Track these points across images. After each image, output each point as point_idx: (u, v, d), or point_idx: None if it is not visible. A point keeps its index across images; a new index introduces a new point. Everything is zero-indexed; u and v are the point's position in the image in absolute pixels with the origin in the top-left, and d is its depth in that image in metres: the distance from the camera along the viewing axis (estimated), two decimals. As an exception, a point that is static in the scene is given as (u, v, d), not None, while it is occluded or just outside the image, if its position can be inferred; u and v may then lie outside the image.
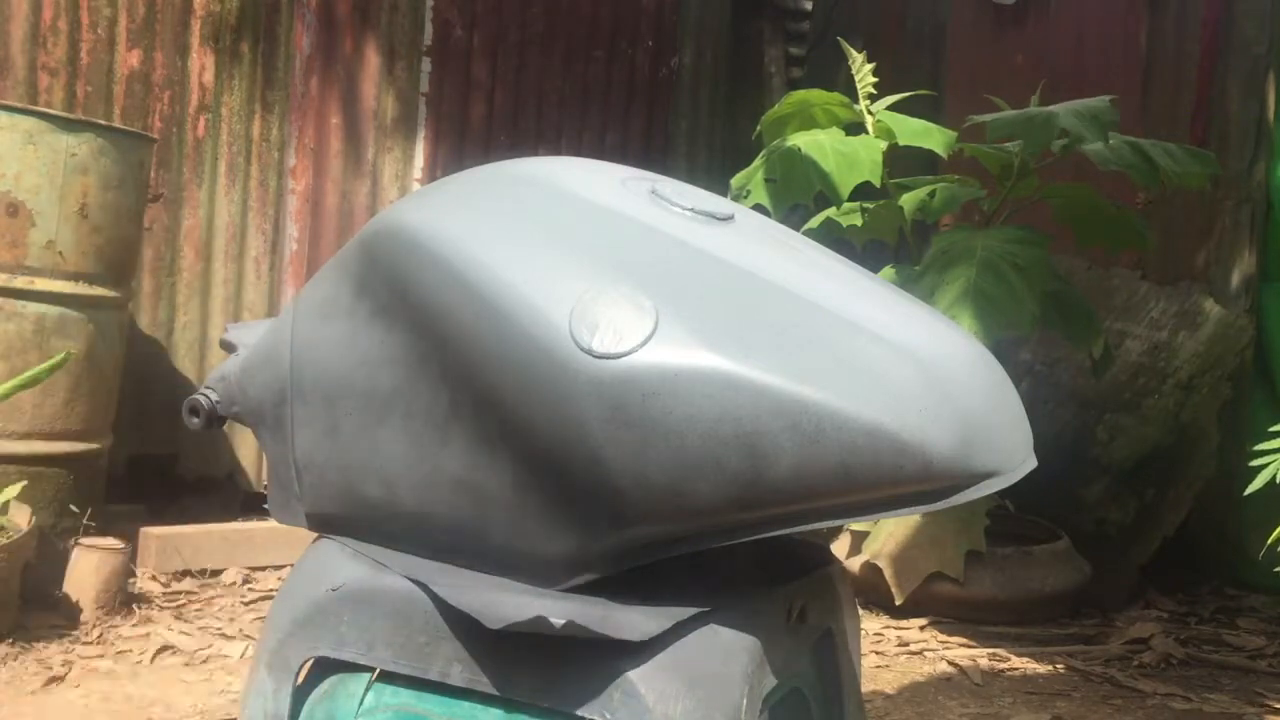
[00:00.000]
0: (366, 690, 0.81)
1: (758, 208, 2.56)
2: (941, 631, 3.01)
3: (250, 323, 1.01)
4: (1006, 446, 0.79)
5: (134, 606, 2.76)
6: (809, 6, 4.89)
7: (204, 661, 2.52)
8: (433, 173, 3.91)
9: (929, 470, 0.74)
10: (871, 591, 3.08)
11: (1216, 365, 3.50)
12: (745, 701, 0.76)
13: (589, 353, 0.74)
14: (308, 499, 0.92)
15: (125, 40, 3.43)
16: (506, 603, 0.77)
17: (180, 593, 2.96)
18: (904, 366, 0.76)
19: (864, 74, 2.93)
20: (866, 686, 2.57)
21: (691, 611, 0.77)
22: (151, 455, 3.49)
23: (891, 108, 2.96)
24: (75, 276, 2.90)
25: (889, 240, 3.21)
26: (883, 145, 2.81)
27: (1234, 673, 2.83)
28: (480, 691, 0.77)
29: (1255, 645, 3.02)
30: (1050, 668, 2.80)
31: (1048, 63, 4.04)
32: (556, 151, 4.15)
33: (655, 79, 4.43)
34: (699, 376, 0.73)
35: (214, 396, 0.96)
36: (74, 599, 2.66)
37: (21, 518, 2.60)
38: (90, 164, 2.87)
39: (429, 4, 3.91)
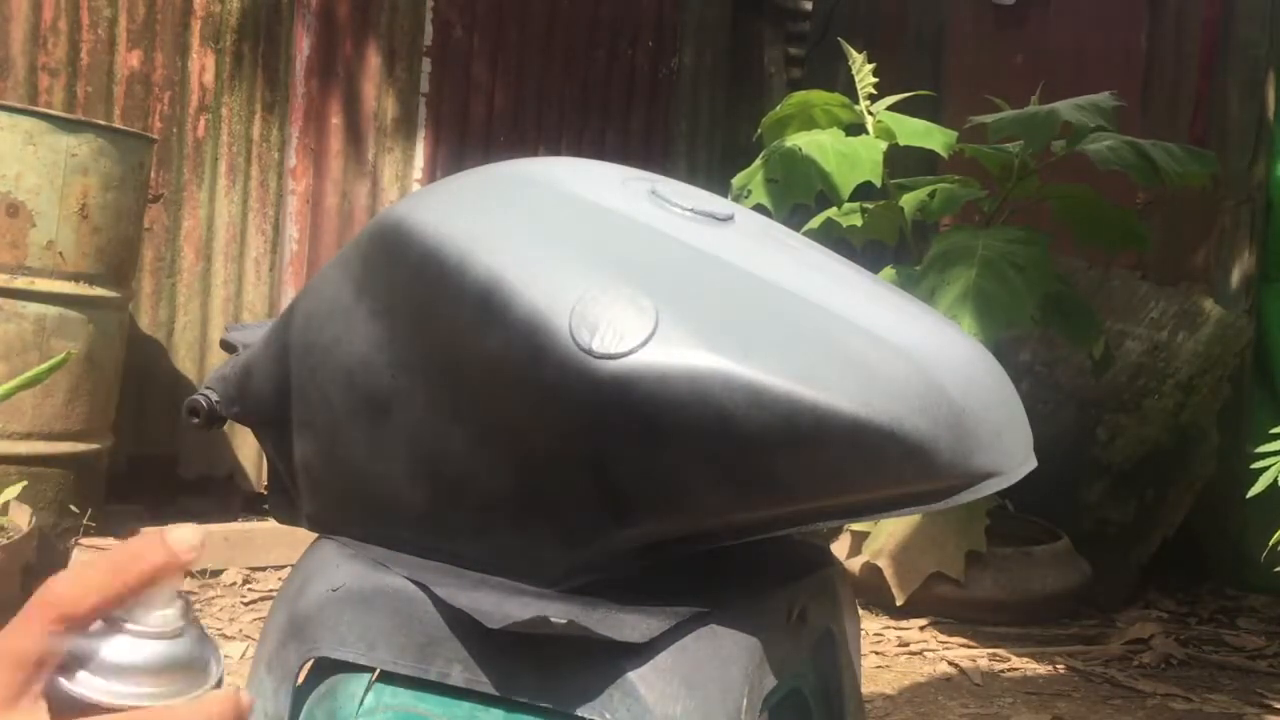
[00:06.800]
0: (367, 690, 0.81)
1: (758, 208, 2.56)
2: (941, 632, 3.01)
3: (250, 323, 1.01)
4: (1007, 447, 0.79)
5: (134, 607, 2.76)
6: (809, 7, 4.89)
7: (204, 662, 2.52)
8: (433, 173, 3.91)
9: (929, 471, 0.74)
10: (871, 591, 3.08)
11: (1216, 365, 3.50)
12: (745, 702, 0.76)
13: (589, 353, 0.74)
14: (308, 499, 0.92)
15: (125, 41, 3.43)
16: (507, 603, 0.77)
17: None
18: (904, 367, 0.76)
19: (864, 74, 2.93)
20: (866, 687, 2.57)
21: (691, 612, 0.77)
22: (151, 455, 3.49)
23: (891, 108, 2.96)
24: (75, 277, 2.90)
25: (889, 241, 3.21)
26: (883, 145, 2.81)
27: (1234, 673, 2.83)
28: (480, 692, 0.77)
29: (1255, 645, 3.02)
30: (1050, 668, 2.80)
31: (1048, 63, 4.04)
32: (556, 151, 4.15)
33: (655, 79, 4.43)
34: (699, 377, 0.73)
35: (214, 397, 0.96)
36: (74, 599, 2.66)
37: (22, 518, 2.60)
38: (90, 164, 2.87)
39: (429, 5, 3.91)
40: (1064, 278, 3.05)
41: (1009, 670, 2.77)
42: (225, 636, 2.67)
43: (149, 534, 0.48)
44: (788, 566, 0.90)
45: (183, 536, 0.47)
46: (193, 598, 2.95)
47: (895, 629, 3.02)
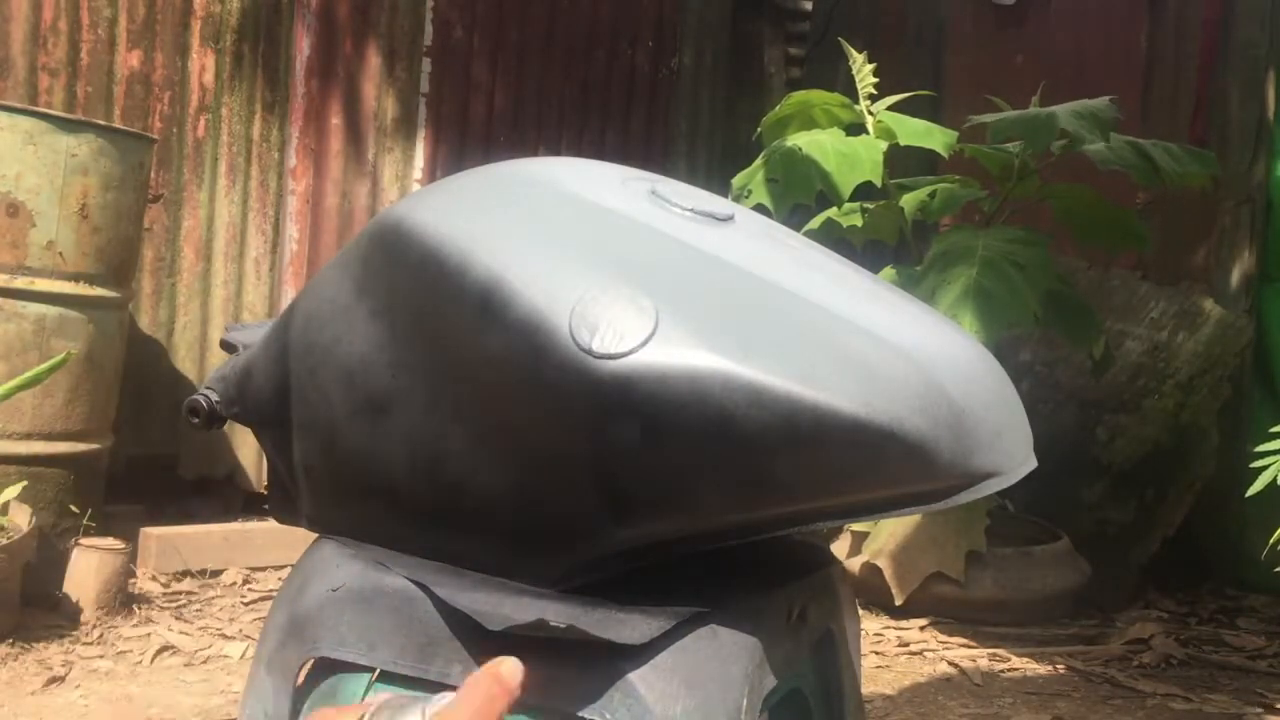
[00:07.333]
0: (366, 691, 0.81)
1: (758, 208, 2.56)
2: (941, 632, 3.01)
3: (250, 323, 1.01)
4: (1007, 447, 0.79)
5: (134, 607, 2.76)
6: (809, 6, 4.89)
7: (204, 662, 2.53)
8: (433, 173, 3.91)
9: (929, 471, 0.74)
10: (871, 591, 3.08)
11: (1216, 365, 3.50)
12: (745, 702, 0.76)
13: (589, 353, 0.74)
14: (308, 499, 0.92)
15: (125, 41, 3.43)
16: (506, 604, 0.77)
17: (180, 593, 2.96)
18: (905, 367, 0.76)
19: (864, 74, 2.93)
20: (866, 687, 2.57)
21: (691, 612, 0.77)
22: (151, 455, 3.49)
23: (891, 108, 2.96)
24: (75, 277, 2.90)
25: (889, 240, 3.21)
26: (883, 145, 2.81)
27: (1234, 673, 2.83)
28: (480, 692, 0.77)
29: (1255, 645, 3.02)
30: (1050, 668, 2.80)
31: (1048, 63, 4.04)
32: (556, 151, 4.15)
33: (655, 79, 4.43)
34: (699, 377, 0.73)
35: (214, 397, 0.96)
36: (74, 599, 2.66)
37: (22, 518, 2.60)
38: (90, 164, 2.87)
39: (429, 5, 3.91)
40: (1064, 278, 3.05)
41: (1009, 670, 2.77)
42: (225, 636, 2.67)
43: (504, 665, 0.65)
44: (788, 566, 0.90)
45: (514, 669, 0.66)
46: (193, 598, 2.95)
47: (895, 629, 3.02)
